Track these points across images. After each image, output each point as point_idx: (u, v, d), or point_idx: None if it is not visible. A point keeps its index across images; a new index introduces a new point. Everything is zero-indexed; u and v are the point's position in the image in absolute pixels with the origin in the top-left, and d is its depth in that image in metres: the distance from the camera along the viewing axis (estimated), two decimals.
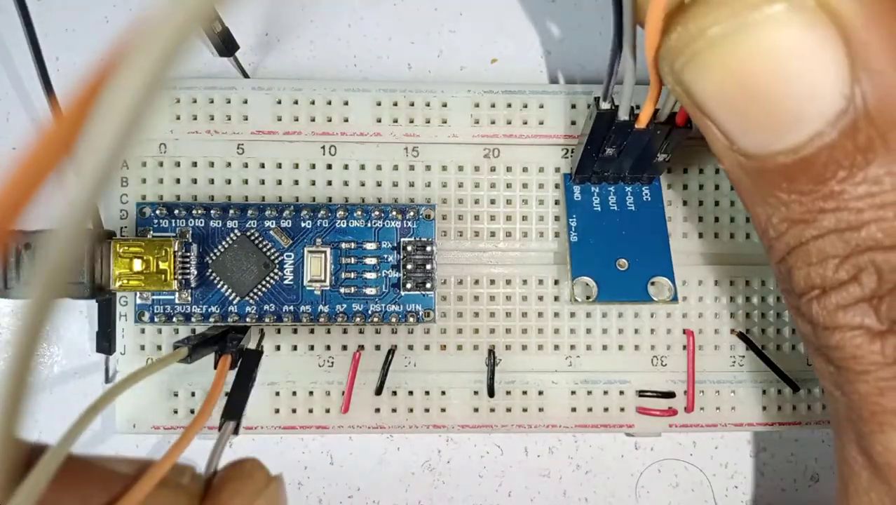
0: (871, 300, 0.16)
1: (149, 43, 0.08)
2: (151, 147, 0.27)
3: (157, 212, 0.25)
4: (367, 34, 0.29)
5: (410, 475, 0.29)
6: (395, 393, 0.27)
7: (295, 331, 0.27)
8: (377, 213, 0.26)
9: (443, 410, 0.27)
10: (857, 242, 0.16)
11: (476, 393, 0.27)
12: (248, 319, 0.25)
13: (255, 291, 0.25)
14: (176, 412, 0.26)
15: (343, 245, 0.25)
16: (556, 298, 0.27)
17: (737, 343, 0.27)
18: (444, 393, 0.27)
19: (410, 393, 0.27)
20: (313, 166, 0.27)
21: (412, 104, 0.27)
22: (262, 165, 0.27)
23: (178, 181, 0.27)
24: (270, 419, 0.27)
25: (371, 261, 0.26)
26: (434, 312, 0.26)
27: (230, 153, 0.27)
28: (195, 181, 0.27)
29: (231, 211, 0.25)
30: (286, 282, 0.25)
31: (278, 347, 0.27)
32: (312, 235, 0.26)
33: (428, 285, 0.25)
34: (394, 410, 0.27)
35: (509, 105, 0.27)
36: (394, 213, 0.26)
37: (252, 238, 0.25)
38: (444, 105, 0.27)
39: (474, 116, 0.27)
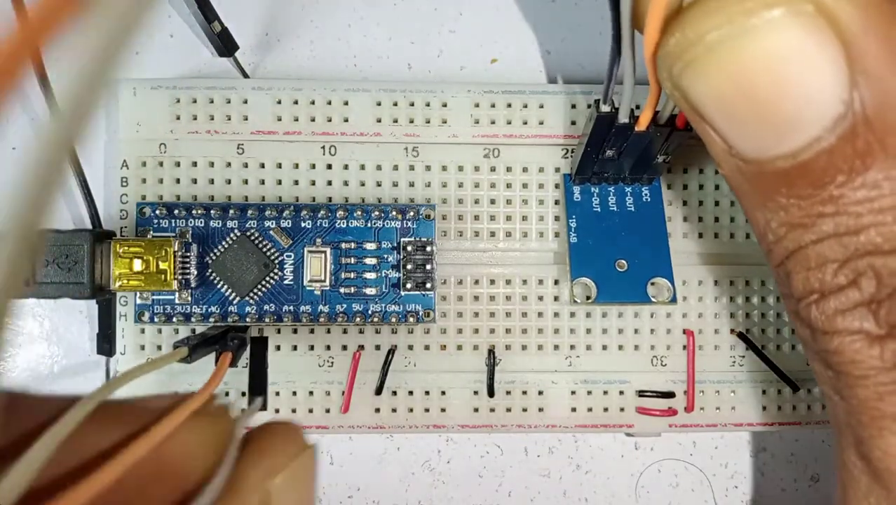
0: (869, 304, 0.16)
1: None
2: (151, 147, 0.27)
3: (157, 212, 0.25)
4: (367, 34, 0.29)
5: (410, 475, 0.29)
6: (395, 393, 0.27)
7: (295, 331, 0.27)
8: (377, 213, 0.26)
9: (443, 409, 0.27)
10: (856, 247, 0.16)
11: (476, 393, 0.27)
12: (248, 319, 0.25)
13: (255, 291, 0.25)
14: None
15: (343, 245, 0.25)
16: (555, 298, 0.27)
17: (737, 343, 0.27)
18: (443, 393, 0.27)
19: (410, 393, 0.27)
20: (313, 166, 0.27)
21: (412, 104, 0.27)
22: (262, 165, 0.27)
23: (178, 181, 0.27)
24: (271, 419, 0.27)
25: (371, 261, 0.26)
26: (434, 311, 0.26)
27: (230, 153, 0.27)
28: (195, 181, 0.27)
29: (231, 211, 0.25)
30: (286, 282, 0.25)
31: (278, 347, 0.27)
32: (312, 235, 0.26)
33: (428, 285, 0.25)
34: (394, 410, 0.27)
35: (509, 105, 0.27)
36: (394, 213, 0.26)
37: (252, 238, 0.25)
38: (444, 105, 0.27)
39: (474, 116, 0.27)
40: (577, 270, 0.26)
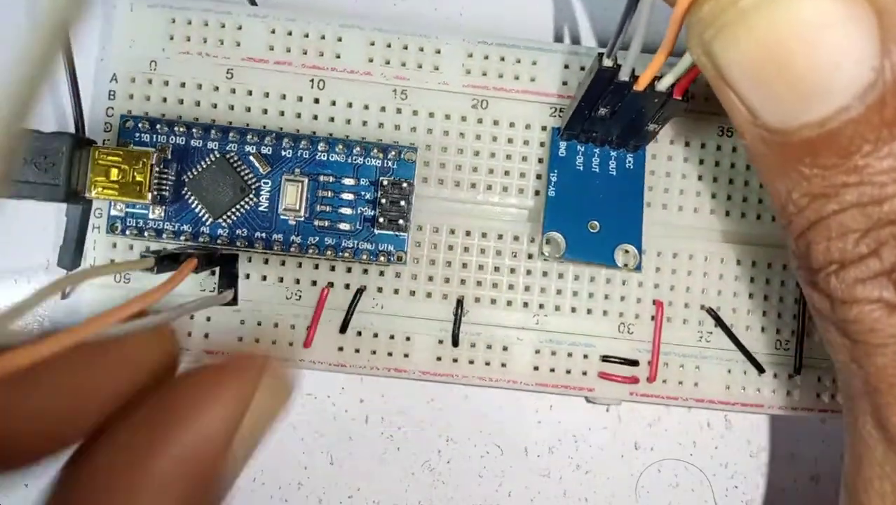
0: (890, 274, 0.17)
1: None
2: (142, 64, 0.27)
3: (140, 125, 0.25)
4: None
5: (410, 475, 0.29)
6: (359, 333, 0.27)
7: (266, 262, 0.27)
8: (358, 149, 0.26)
9: (405, 355, 0.27)
10: (879, 217, 0.16)
11: (441, 342, 0.27)
12: (219, 242, 0.25)
13: (230, 213, 0.25)
14: None
15: (321, 178, 0.25)
16: (529, 256, 0.27)
17: (706, 319, 0.27)
18: (408, 339, 0.27)
19: (375, 335, 0.27)
20: (300, 99, 0.27)
21: (406, 47, 0.27)
22: (250, 93, 0.27)
23: (164, 100, 0.27)
24: (231, 346, 0.27)
25: (348, 196, 0.26)
26: (406, 254, 0.26)
27: (219, 77, 0.27)
28: (182, 101, 0.27)
29: (213, 132, 0.25)
30: (261, 208, 0.25)
31: (248, 276, 0.27)
32: (292, 165, 0.25)
33: (401, 223, 0.25)
34: (357, 351, 0.27)
35: (502, 58, 0.27)
36: (375, 150, 0.26)
37: (231, 161, 0.25)
38: (438, 52, 0.27)
39: (466, 66, 0.27)
40: (550, 223, 0.25)
